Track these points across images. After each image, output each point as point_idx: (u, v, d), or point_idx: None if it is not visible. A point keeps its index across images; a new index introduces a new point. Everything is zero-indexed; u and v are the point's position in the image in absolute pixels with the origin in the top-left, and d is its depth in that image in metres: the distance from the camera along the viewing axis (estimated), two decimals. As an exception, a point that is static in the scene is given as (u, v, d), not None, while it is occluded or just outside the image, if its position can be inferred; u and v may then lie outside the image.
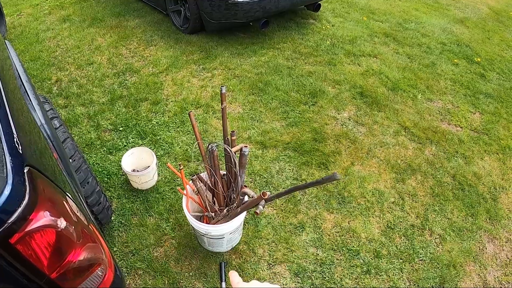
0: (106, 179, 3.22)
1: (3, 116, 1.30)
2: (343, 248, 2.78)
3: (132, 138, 3.61)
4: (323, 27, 5.66)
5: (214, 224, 2.36)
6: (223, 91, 2.13)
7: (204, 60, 4.80)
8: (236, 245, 2.74)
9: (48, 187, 1.21)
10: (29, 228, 1.00)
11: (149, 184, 3.10)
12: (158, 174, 3.24)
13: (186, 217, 2.75)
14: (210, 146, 2.22)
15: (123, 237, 2.82)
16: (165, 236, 2.82)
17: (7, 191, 0.95)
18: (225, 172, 2.37)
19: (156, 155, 3.22)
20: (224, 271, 2.56)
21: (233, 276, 0.85)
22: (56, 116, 2.69)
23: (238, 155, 2.20)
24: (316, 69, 4.66)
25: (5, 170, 1.00)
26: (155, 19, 5.85)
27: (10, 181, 0.98)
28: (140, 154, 3.14)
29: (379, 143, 3.64)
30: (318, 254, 2.74)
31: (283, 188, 3.14)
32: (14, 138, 1.22)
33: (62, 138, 2.41)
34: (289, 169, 3.33)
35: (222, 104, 2.16)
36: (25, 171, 1.08)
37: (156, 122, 3.78)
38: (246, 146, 2.12)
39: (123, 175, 3.24)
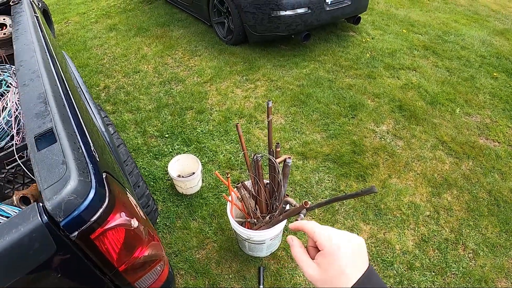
0: (152, 183, 3.39)
1: (78, 126, 1.47)
2: (378, 259, 2.84)
3: (178, 145, 3.77)
4: (363, 40, 5.74)
5: (256, 230, 2.47)
6: (269, 105, 2.25)
7: (247, 71, 4.94)
8: (275, 251, 2.84)
9: (121, 191, 1.36)
10: (107, 226, 1.15)
11: (193, 189, 3.24)
12: (202, 180, 3.37)
13: (228, 222, 2.88)
14: (255, 156, 2.33)
15: (167, 238, 2.97)
16: (207, 240, 2.95)
17: (91, 194, 1.11)
18: (268, 181, 2.48)
19: (201, 162, 3.33)
20: (263, 276, 2.67)
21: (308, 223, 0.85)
22: (110, 123, 2.87)
23: (282, 165, 2.31)
24: (356, 82, 4.73)
25: (89, 176, 1.16)
26: (199, 30, 6.04)
27: (93, 185, 1.14)
28: (186, 160, 3.29)
29: (417, 156, 3.69)
30: (353, 263, 2.80)
31: (322, 198, 3.23)
32: (91, 147, 1.38)
33: (116, 144, 2.58)
34: (328, 180, 3.42)
35: (268, 117, 2.28)
36: (103, 176, 1.24)
37: (201, 131, 3.93)
38: (290, 158, 2.23)
39: (168, 179, 3.40)
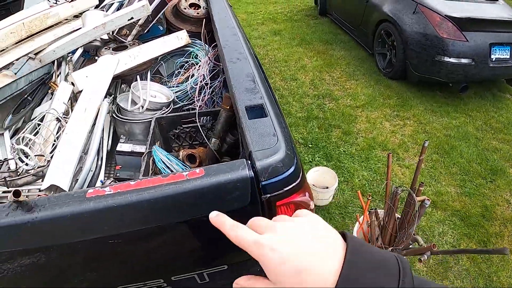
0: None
1: (280, 112, 1.70)
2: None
3: (319, 157, 4.00)
4: (519, 106, 5.53)
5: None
6: (425, 145, 2.40)
7: (399, 107, 5.02)
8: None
9: (305, 175, 1.57)
10: (294, 199, 1.35)
11: (323, 202, 3.44)
12: (333, 196, 3.55)
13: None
14: (396, 189, 2.48)
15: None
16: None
17: (292, 168, 1.32)
18: (399, 216, 2.61)
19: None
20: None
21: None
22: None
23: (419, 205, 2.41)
24: (502, 147, 4.59)
25: (294, 155, 1.39)
26: (359, 55, 6.24)
27: (295, 161, 1.36)
28: (324, 173, 3.50)
29: (547, 241, 3.55)
30: (448, 326, 2.79)
31: (441, 250, 3.25)
32: (289, 129, 1.62)
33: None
34: (451, 236, 3.40)
35: (421, 155, 2.43)
36: (299, 158, 1.47)
37: (343, 151, 4.13)
38: (429, 200, 2.34)
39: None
